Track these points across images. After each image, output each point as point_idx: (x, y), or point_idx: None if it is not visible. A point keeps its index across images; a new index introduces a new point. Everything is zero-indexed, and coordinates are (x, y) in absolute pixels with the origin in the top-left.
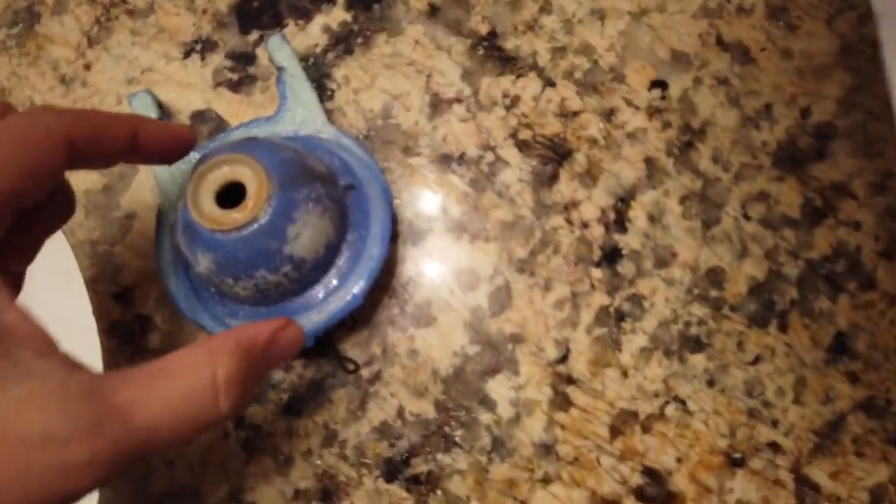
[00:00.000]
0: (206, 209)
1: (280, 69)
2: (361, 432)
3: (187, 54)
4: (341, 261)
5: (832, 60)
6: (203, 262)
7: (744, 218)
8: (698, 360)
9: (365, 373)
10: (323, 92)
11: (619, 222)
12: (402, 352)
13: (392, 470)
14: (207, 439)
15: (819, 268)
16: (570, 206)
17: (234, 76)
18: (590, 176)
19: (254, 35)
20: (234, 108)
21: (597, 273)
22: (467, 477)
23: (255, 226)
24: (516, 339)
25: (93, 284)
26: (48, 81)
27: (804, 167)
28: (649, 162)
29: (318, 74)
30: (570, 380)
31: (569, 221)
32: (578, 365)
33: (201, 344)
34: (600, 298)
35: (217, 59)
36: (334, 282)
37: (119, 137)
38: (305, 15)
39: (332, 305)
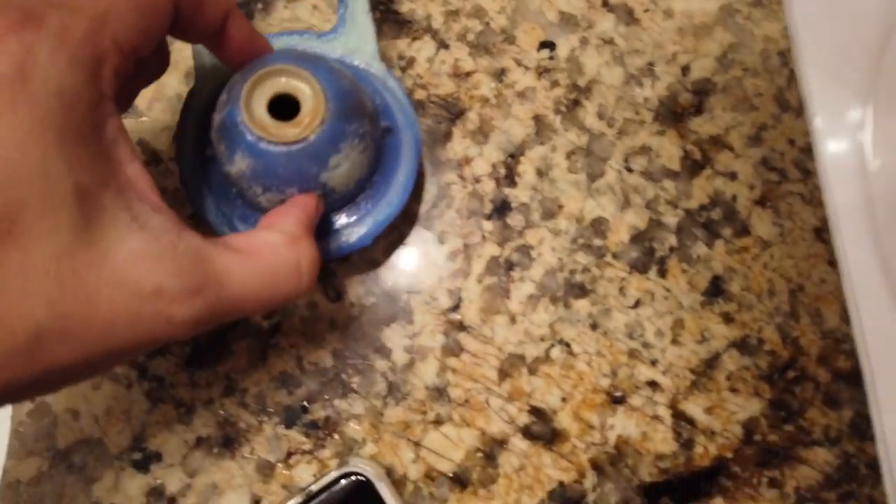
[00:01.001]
0: (258, 114)
1: None
2: (261, 381)
3: None
4: (362, 199)
5: (711, 20)
6: (239, 165)
7: (626, 171)
8: (582, 306)
9: (265, 325)
10: None
11: (509, 177)
12: (300, 304)
13: (291, 416)
14: (111, 390)
15: (697, 216)
16: (463, 162)
17: None
18: (482, 133)
19: None
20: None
21: (488, 225)
22: (363, 421)
23: (304, 145)
24: (411, 289)
25: None
26: None
27: (684, 122)
28: (538, 119)
29: None
30: (462, 327)
31: (461, 177)
32: (470, 313)
33: (281, 228)
34: (491, 249)
35: None
36: (351, 218)
37: (215, 17)
38: None
39: (342, 238)
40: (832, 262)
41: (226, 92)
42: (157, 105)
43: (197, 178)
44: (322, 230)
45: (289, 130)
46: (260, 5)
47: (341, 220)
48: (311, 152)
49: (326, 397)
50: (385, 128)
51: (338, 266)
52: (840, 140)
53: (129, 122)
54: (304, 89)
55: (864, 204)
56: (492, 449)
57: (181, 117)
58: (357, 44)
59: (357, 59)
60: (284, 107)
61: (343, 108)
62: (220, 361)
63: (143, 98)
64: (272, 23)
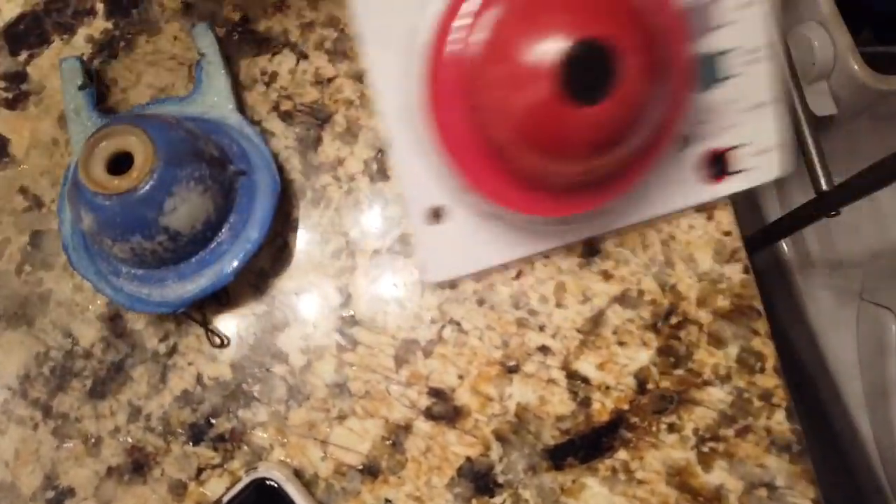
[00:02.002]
0: (95, 172)
1: (201, 55)
2: (164, 403)
3: None
4: (221, 238)
5: None
6: (86, 221)
7: None
8: (467, 284)
9: (161, 348)
10: (98, 95)
11: (381, 171)
12: (192, 322)
13: (197, 433)
14: (17, 433)
15: None
16: (336, 163)
17: (9, 95)
18: (350, 134)
19: (23, 55)
20: (11, 125)
21: (366, 220)
22: (268, 427)
23: (134, 194)
24: (300, 291)
25: None
26: None
27: None
28: None
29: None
30: (354, 321)
31: (336, 178)
32: (360, 306)
33: None
34: (373, 243)
35: None
36: (211, 256)
37: None
38: (69, 29)
39: (204, 279)
40: (699, 209)
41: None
42: (34, 152)
43: (75, 242)
44: (185, 273)
45: (119, 182)
46: (122, 43)
47: (200, 260)
48: (143, 199)
49: (230, 410)
50: (237, 171)
51: (212, 302)
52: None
53: (9, 172)
54: (136, 144)
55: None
56: (397, 435)
57: (61, 187)
58: (215, 102)
59: (215, 114)
60: (127, 163)
61: (174, 155)
62: (121, 390)
63: (21, 147)
64: (136, 57)
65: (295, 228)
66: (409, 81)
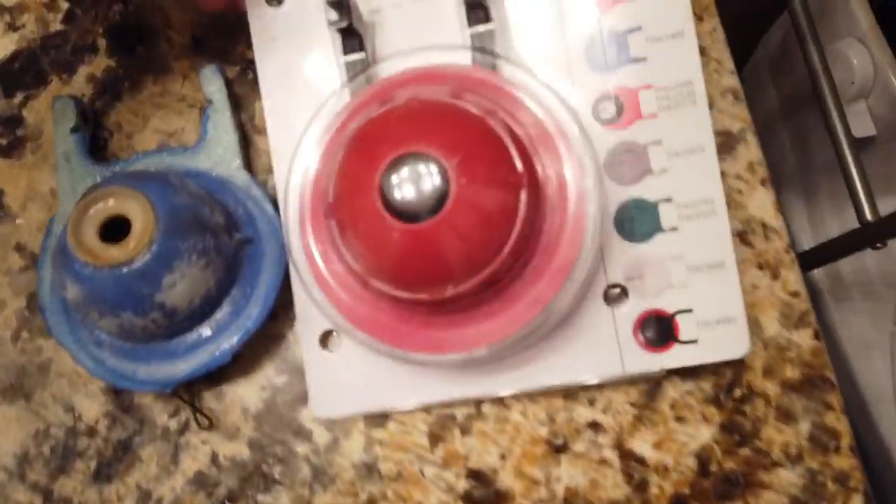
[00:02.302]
0: (86, 238)
1: (208, 102)
2: (176, 486)
3: None
4: (220, 313)
5: None
6: (72, 291)
7: None
8: None
9: (172, 424)
10: (95, 143)
11: None
12: (207, 394)
13: None
14: None
15: None
16: None
17: (3, 141)
18: None
19: (18, 97)
20: (5, 174)
21: None
22: None
23: (129, 268)
24: None
25: None
26: None
27: None
28: None
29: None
30: None
31: None
32: None
33: None
34: None
35: None
36: (207, 333)
37: None
38: (69, 68)
39: (199, 357)
40: (762, 266)
41: (69, 216)
42: (32, 205)
43: (54, 304)
44: (177, 350)
45: (114, 252)
46: (127, 83)
47: (196, 337)
48: (139, 274)
49: (248, 494)
50: (243, 238)
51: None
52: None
53: (4, 227)
54: (135, 209)
55: None
56: None
57: (43, 242)
58: (221, 156)
59: (221, 169)
60: (122, 229)
61: (176, 224)
62: (129, 471)
63: (16, 199)
64: (142, 99)
65: None
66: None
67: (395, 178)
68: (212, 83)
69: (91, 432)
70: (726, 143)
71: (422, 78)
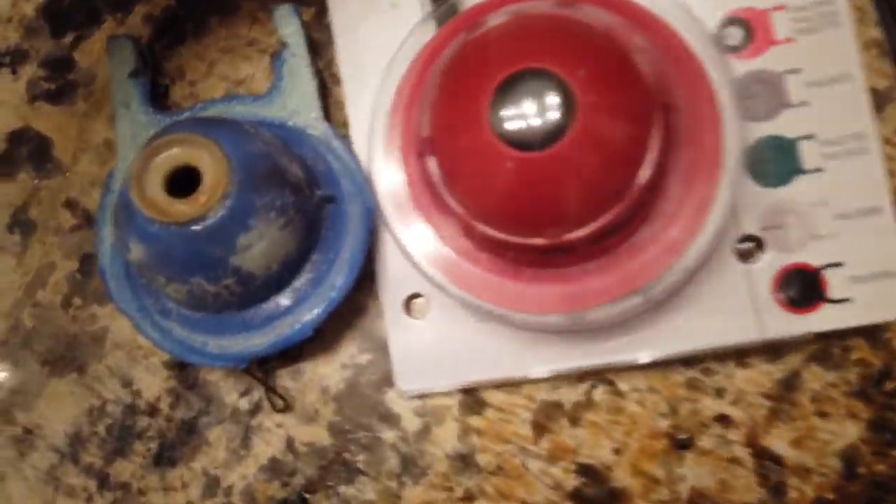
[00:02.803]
0: (151, 192)
1: (283, 45)
2: (248, 474)
3: None
4: (299, 282)
5: None
6: (135, 252)
7: None
8: None
9: (243, 404)
10: (155, 90)
11: None
12: (283, 373)
13: None
14: None
15: None
16: None
17: (52, 86)
18: None
19: (68, 37)
20: (55, 123)
21: None
22: None
23: (201, 226)
24: None
25: None
26: None
27: None
28: None
29: (143, 67)
30: None
31: None
32: None
33: None
34: None
35: (30, 70)
36: (286, 303)
37: None
38: (123, 6)
39: (277, 330)
40: None
41: (130, 167)
42: (83, 157)
43: (116, 267)
44: (253, 322)
45: (183, 208)
46: (190, 24)
47: (274, 307)
48: (212, 234)
49: (329, 484)
50: (324, 196)
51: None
52: None
53: (53, 181)
54: (204, 158)
55: None
56: None
57: (101, 198)
58: (297, 104)
59: (297, 120)
60: (191, 181)
61: (252, 177)
62: (195, 455)
63: (66, 150)
64: (207, 43)
65: None
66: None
67: (507, 101)
68: (288, 24)
69: (152, 411)
70: (872, 102)
71: None
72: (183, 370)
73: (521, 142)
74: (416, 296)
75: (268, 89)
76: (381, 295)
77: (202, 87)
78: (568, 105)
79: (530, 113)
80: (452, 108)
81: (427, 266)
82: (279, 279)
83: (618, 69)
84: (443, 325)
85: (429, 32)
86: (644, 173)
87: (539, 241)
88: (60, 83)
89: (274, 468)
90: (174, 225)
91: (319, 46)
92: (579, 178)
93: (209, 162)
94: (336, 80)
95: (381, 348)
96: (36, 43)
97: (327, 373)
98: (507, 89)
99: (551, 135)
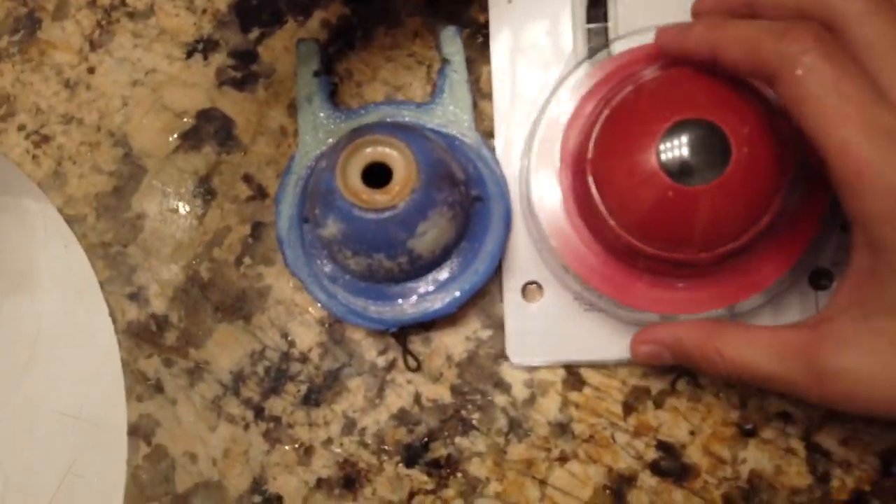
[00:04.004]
0: (352, 181)
1: (445, 62)
2: (380, 420)
3: (190, 54)
4: (449, 265)
5: None
6: (331, 229)
7: None
8: None
9: (380, 361)
10: (329, 88)
11: None
12: (415, 339)
13: (412, 455)
14: (228, 431)
15: None
16: None
17: (238, 74)
18: None
19: (254, 33)
20: (238, 106)
21: None
22: (486, 458)
23: (393, 212)
24: None
25: (107, 286)
26: (52, 86)
27: None
28: None
29: (324, 69)
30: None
31: None
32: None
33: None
34: None
35: (220, 59)
36: (435, 282)
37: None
38: (305, 10)
39: (426, 303)
40: None
41: (325, 158)
42: (261, 138)
43: (292, 237)
44: (407, 294)
45: (380, 198)
46: (360, 32)
47: (427, 285)
48: (400, 219)
49: (447, 434)
50: (475, 196)
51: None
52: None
53: (234, 157)
54: (397, 158)
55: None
56: (620, 486)
57: (282, 177)
58: (454, 114)
59: (453, 128)
60: (379, 174)
61: (434, 177)
62: (336, 399)
63: (247, 132)
64: (373, 50)
65: None
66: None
67: (674, 142)
68: (452, 44)
69: (304, 359)
70: None
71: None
72: (332, 327)
73: (681, 176)
74: (532, 283)
75: (430, 98)
76: (504, 280)
77: (367, 90)
78: (724, 153)
79: (691, 154)
80: (622, 140)
81: (553, 259)
82: (436, 262)
83: (767, 123)
84: (553, 310)
85: (582, 70)
86: (770, 213)
87: (678, 256)
88: (245, 73)
89: (402, 417)
90: (371, 210)
91: (470, 64)
92: (722, 212)
93: (401, 161)
94: (483, 94)
95: (499, 326)
96: (226, 35)
97: (453, 343)
98: (675, 132)
99: (706, 175)
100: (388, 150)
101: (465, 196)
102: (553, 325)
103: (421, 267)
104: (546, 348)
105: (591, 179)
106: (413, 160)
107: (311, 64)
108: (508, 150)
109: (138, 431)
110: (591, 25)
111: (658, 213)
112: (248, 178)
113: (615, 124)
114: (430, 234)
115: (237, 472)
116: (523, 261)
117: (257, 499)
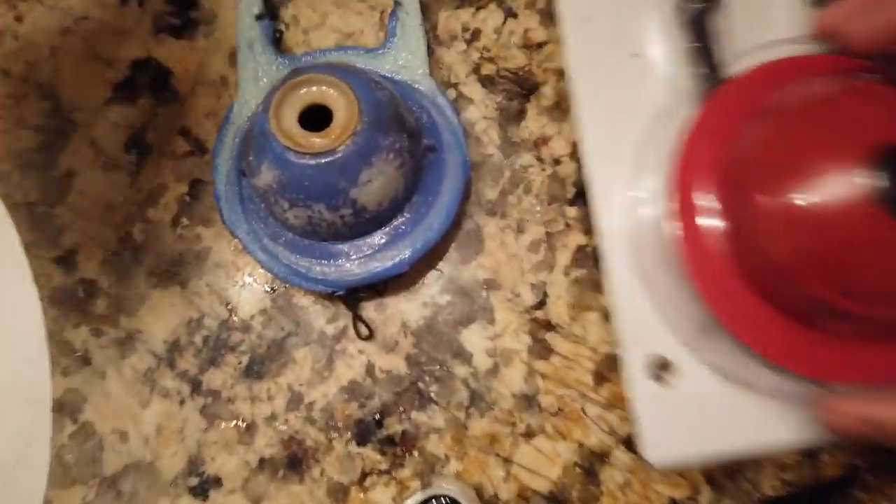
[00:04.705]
0: (287, 124)
1: (397, 4)
2: (329, 393)
3: (124, 0)
4: (399, 220)
5: None
6: (265, 177)
7: None
8: None
9: (329, 329)
10: (272, 34)
11: None
12: (368, 305)
13: (364, 432)
14: (161, 407)
15: None
16: (540, 142)
17: (176, 21)
18: (559, 110)
19: None
20: (176, 55)
21: (571, 211)
22: (445, 435)
23: (332, 157)
24: (490, 285)
25: (32, 249)
26: None
27: None
28: None
29: (266, 12)
30: (550, 326)
31: (539, 159)
32: (557, 309)
33: None
34: (576, 238)
35: (156, 4)
36: (384, 239)
37: None
38: None
39: (375, 263)
40: None
41: (262, 103)
42: (200, 89)
43: (230, 193)
44: (353, 252)
45: (317, 141)
46: None
47: (375, 242)
48: (340, 165)
49: (402, 409)
50: (428, 146)
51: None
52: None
53: (169, 108)
54: (337, 98)
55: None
56: (592, 464)
57: (220, 129)
58: (407, 60)
59: (405, 74)
60: (319, 118)
61: (378, 120)
62: (281, 371)
63: (185, 81)
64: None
65: (489, 211)
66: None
67: (887, 171)
68: None
69: (245, 327)
70: None
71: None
72: (276, 293)
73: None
74: (664, 361)
75: (381, 43)
76: (625, 355)
77: (314, 36)
78: None
79: None
80: (805, 171)
81: (714, 323)
82: (384, 216)
83: None
84: (699, 390)
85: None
86: None
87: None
88: (183, 19)
89: (353, 390)
90: (308, 155)
91: (426, 9)
92: None
93: (342, 102)
94: (440, 41)
95: (459, 291)
96: None
97: (409, 309)
98: (886, 154)
99: None
100: (327, 89)
101: (416, 145)
102: (702, 409)
103: (367, 221)
104: (694, 439)
105: (753, 214)
106: (355, 100)
107: (252, 6)
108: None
109: (63, 408)
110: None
111: (869, 256)
112: (185, 132)
113: (788, 153)
114: (375, 184)
115: (171, 452)
116: (648, 330)
117: (193, 481)
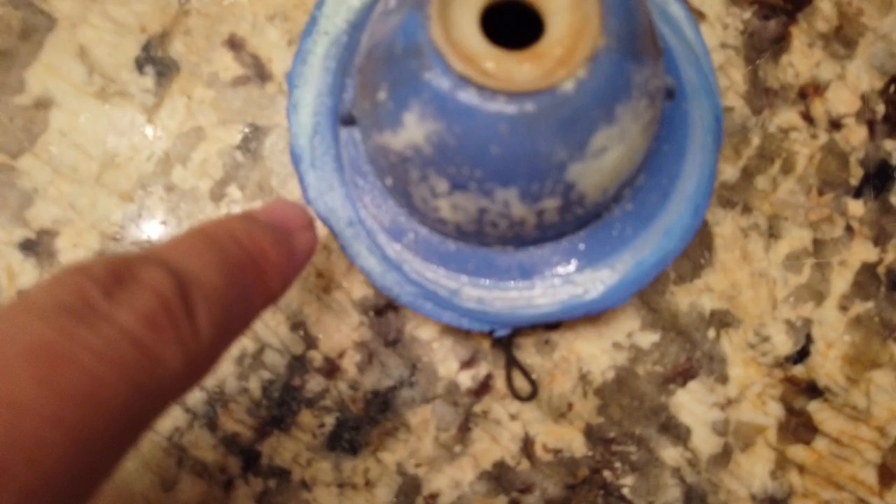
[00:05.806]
0: (461, 33)
1: None
2: (463, 481)
3: None
4: (616, 216)
5: None
6: (413, 131)
7: None
8: None
9: (464, 378)
10: None
11: (894, 119)
12: (526, 343)
13: None
14: (195, 492)
15: None
16: (810, 90)
17: None
18: (841, 40)
19: None
20: None
21: (856, 207)
22: None
23: (553, 102)
24: (722, 320)
25: None
26: None
27: None
28: None
29: None
30: (814, 390)
31: (807, 118)
32: (827, 364)
33: None
34: (863, 251)
35: None
36: (591, 248)
37: None
38: None
39: (572, 288)
40: None
41: None
42: None
43: (319, 151)
44: (535, 268)
45: (525, 68)
46: None
47: (569, 255)
48: (563, 118)
49: None
50: (666, 87)
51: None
52: None
53: (209, 4)
54: None
55: None
56: None
57: (301, 43)
58: None
59: None
60: (517, 28)
61: (631, 35)
62: (387, 443)
63: None
64: None
65: (724, 200)
66: None
67: None
68: None
69: (331, 369)
70: None
71: None
72: (382, 317)
73: None
74: None
75: None
76: None
77: None
78: None
79: None
80: None
81: None
82: (599, 210)
83: None
84: None
85: None
86: None
87: None
88: None
89: (501, 477)
90: (504, 95)
91: None
92: None
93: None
94: None
95: (674, 328)
96: None
97: (591, 352)
98: None
99: None
100: None
101: (661, 86)
102: None
103: (574, 219)
104: None
105: None
106: (596, 2)
107: None
108: None
109: None
110: None
111: None
112: (234, 44)
113: None
114: (611, 154)
115: None
116: None
117: None
